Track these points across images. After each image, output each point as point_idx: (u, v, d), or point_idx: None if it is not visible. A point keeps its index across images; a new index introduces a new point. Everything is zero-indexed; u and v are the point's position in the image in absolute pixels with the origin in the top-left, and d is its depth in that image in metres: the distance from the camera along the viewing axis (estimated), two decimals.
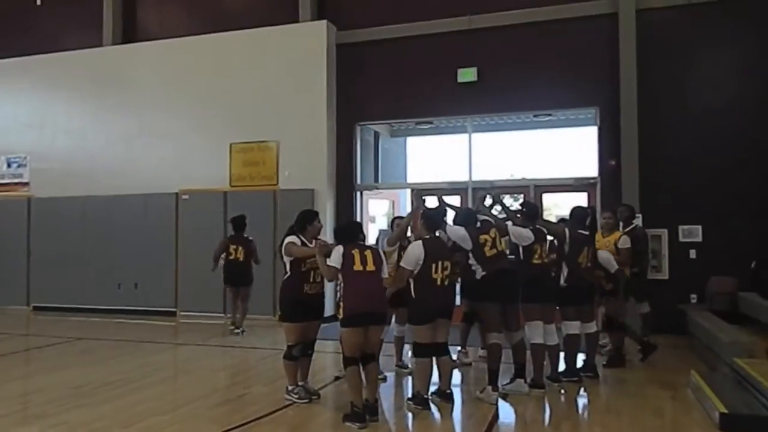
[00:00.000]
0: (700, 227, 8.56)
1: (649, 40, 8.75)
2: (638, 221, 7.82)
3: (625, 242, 6.55)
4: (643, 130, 8.69)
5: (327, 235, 8.52)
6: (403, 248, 5.28)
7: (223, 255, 8.52)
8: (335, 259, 4.58)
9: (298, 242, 5.06)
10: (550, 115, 9.89)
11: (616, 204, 7.55)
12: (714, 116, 8.51)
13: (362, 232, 5.12)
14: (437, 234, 5.14)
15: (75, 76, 11.47)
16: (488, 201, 5.94)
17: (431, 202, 5.91)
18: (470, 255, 5.29)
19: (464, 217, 5.58)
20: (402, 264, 4.90)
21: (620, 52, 8.81)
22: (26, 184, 11.70)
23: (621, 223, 6.87)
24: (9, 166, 11.86)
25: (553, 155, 10.91)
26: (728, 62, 8.65)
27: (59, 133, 11.54)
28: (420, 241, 4.92)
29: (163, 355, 7.62)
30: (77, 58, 11.47)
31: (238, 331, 8.49)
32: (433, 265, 4.82)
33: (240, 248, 8.45)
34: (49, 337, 8.58)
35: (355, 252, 4.57)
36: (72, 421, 4.64)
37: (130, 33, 11.77)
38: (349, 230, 4.91)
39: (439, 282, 4.84)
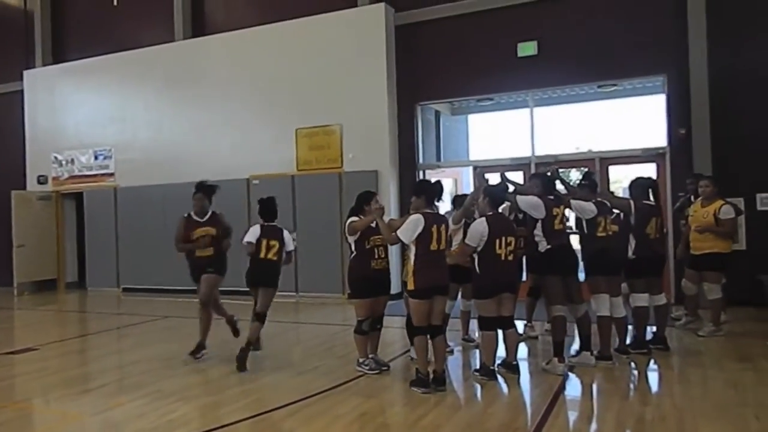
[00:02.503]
0: None
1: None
2: None
3: (728, 212, 6.21)
4: (715, 95, 8.32)
5: (391, 214, 8.74)
6: (468, 225, 5.39)
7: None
8: (412, 228, 4.71)
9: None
10: (615, 85, 9.60)
11: (690, 174, 7.32)
12: None
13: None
14: (500, 210, 5.24)
15: (151, 71, 12.10)
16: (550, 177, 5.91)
17: (494, 179, 5.96)
18: (537, 226, 5.33)
19: (543, 185, 5.48)
20: (466, 240, 5.02)
21: (688, 14, 8.43)
22: (112, 174, 12.52)
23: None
24: (96, 158, 12.72)
25: (619, 126, 10.59)
26: None
27: (139, 125, 12.26)
28: (484, 218, 5.02)
29: (241, 332, 8.08)
30: (152, 53, 12.08)
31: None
32: (497, 241, 4.92)
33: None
34: (138, 315, 9.31)
35: (434, 230, 4.73)
36: (166, 390, 5.12)
37: (199, 27, 12.29)
38: (434, 190, 4.93)
39: (503, 257, 4.95)
